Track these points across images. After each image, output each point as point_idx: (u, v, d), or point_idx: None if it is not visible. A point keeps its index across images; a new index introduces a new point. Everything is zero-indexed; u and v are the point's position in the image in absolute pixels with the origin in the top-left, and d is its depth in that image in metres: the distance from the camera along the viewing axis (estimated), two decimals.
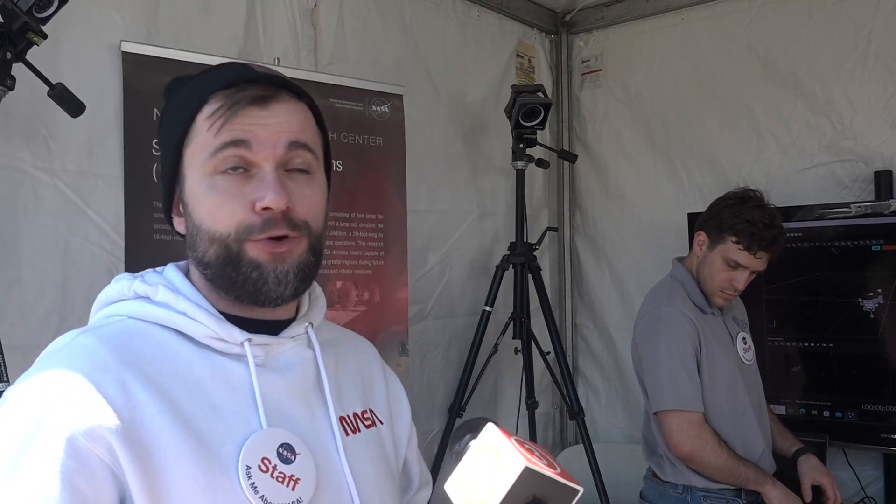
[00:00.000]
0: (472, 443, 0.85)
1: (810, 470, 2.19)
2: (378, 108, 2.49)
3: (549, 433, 3.49)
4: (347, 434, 0.92)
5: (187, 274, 0.91)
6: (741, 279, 2.11)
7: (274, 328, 0.90)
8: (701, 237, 2.20)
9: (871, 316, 2.56)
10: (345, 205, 2.38)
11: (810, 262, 2.68)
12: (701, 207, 2.30)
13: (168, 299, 0.86)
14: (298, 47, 2.49)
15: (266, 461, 0.81)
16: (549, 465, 0.80)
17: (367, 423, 0.97)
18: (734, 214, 2.10)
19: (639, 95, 3.34)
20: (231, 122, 0.83)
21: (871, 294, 2.56)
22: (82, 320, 0.88)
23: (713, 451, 2.04)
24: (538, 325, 2.84)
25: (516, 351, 2.81)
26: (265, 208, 0.82)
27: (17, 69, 1.59)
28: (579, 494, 0.80)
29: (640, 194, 3.34)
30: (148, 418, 0.77)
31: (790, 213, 2.63)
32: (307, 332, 0.94)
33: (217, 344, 0.85)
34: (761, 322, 2.70)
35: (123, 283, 0.89)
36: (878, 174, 2.68)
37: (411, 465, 1.08)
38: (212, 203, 0.83)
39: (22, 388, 0.77)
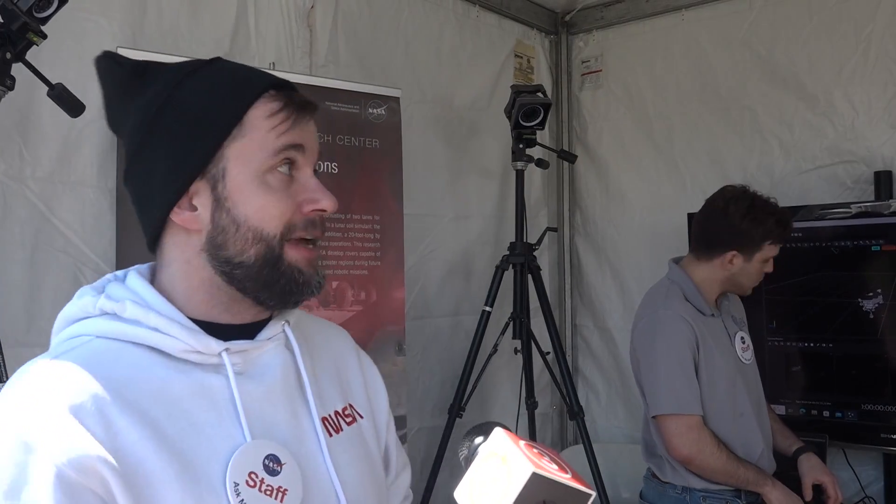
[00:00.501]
0: (480, 448, 0.84)
1: (811, 469, 2.19)
2: (375, 110, 2.49)
3: (548, 433, 3.48)
4: (331, 435, 0.91)
5: (152, 280, 0.88)
6: (771, 266, 2.18)
7: (249, 331, 0.89)
8: (732, 254, 2.13)
9: (871, 316, 2.55)
10: (340, 206, 2.34)
11: (810, 262, 2.68)
12: None
13: (137, 315, 0.82)
14: (293, 49, 2.48)
15: (253, 475, 0.80)
16: (561, 470, 0.79)
17: (349, 419, 0.96)
18: (758, 221, 2.10)
19: (640, 96, 3.33)
20: (296, 125, 0.85)
21: (871, 294, 2.56)
22: (52, 319, 0.86)
23: (712, 453, 2.03)
24: (538, 325, 2.83)
25: (516, 351, 2.81)
26: (316, 210, 0.86)
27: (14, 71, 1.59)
28: (591, 498, 0.79)
29: (641, 194, 3.33)
30: (130, 445, 0.74)
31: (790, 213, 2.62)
32: (284, 331, 0.93)
33: (194, 357, 0.82)
34: (761, 322, 2.70)
35: (87, 300, 0.84)
36: (877, 174, 2.67)
37: (390, 450, 1.08)
38: (265, 201, 0.83)
39: None
